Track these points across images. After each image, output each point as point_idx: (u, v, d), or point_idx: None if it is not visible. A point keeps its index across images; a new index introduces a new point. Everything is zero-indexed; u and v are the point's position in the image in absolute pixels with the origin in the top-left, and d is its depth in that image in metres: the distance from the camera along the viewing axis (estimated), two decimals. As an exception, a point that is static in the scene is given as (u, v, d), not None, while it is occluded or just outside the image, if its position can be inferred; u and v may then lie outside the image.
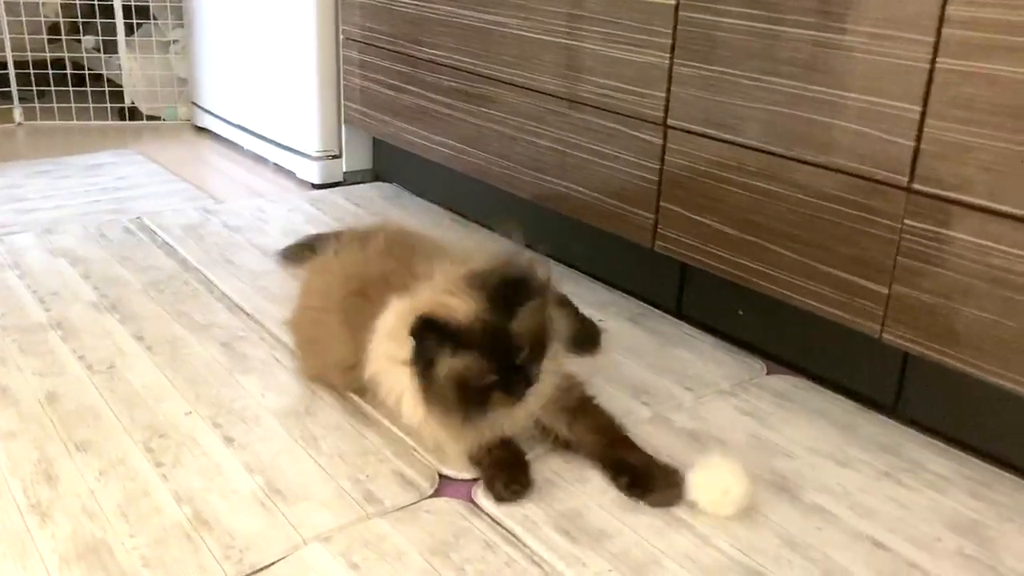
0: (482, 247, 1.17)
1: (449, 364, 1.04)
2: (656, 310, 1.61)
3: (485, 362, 1.03)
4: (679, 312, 1.59)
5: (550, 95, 1.61)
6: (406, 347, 1.06)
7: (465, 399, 1.05)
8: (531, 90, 1.65)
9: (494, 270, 1.07)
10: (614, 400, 1.26)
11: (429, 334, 1.03)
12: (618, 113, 1.49)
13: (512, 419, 1.10)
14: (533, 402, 1.10)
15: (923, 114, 1.09)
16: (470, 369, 1.03)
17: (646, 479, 1.07)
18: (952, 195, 1.08)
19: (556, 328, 1.12)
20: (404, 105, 2.01)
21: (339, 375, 1.25)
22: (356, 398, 1.27)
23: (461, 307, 1.05)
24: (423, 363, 1.05)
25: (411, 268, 1.16)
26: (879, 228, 1.16)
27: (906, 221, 1.13)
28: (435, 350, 1.03)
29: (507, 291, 1.05)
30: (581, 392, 1.16)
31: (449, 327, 1.03)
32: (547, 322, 1.10)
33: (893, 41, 1.10)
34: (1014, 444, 1.16)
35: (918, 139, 1.10)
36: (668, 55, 1.38)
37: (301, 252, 1.72)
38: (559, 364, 1.14)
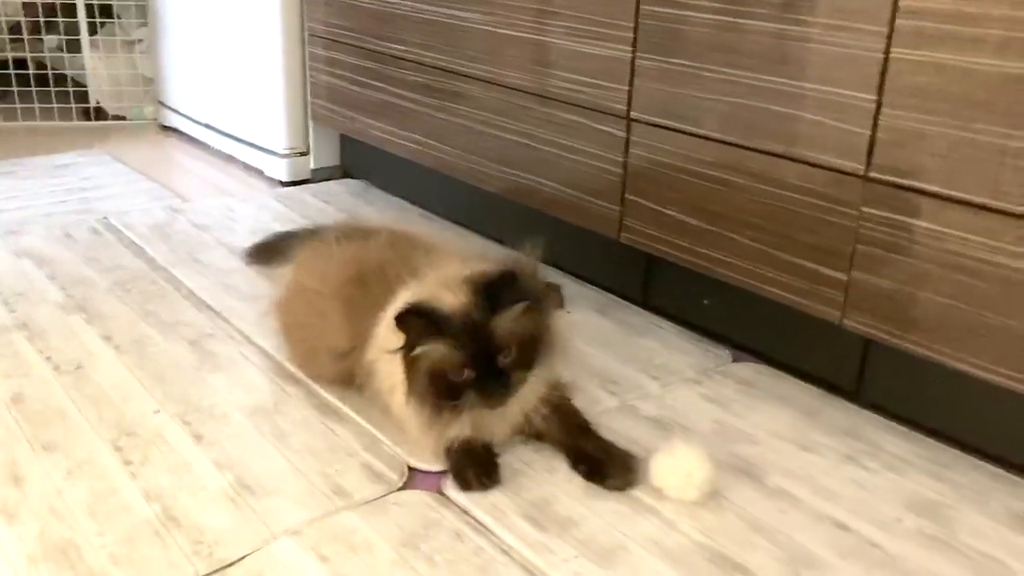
0: (485, 252, 1.17)
1: (428, 351, 1.05)
2: (623, 301, 1.62)
3: (461, 354, 1.04)
4: (645, 303, 1.61)
5: (516, 89, 1.62)
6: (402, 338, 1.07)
7: (438, 391, 1.06)
8: (497, 84, 1.66)
9: (489, 271, 1.08)
10: (581, 390, 1.28)
11: (412, 319, 1.04)
12: (583, 107, 1.50)
13: (493, 429, 1.11)
14: (515, 414, 1.11)
15: (878, 103, 1.11)
16: (445, 359, 1.04)
17: (603, 465, 1.09)
18: (907, 182, 1.10)
19: (553, 343, 1.12)
20: (370, 101, 2.01)
21: (329, 361, 1.24)
22: (325, 393, 1.28)
23: (449, 299, 1.06)
24: (407, 350, 1.06)
25: (410, 263, 1.17)
26: (838, 216, 1.18)
27: (864, 209, 1.15)
28: (418, 337, 1.04)
29: (495, 288, 1.06)
30: (564, 398, 1.17)
31: (431, 313, 1.04)
32: (540, 332, 1.09)
33: (848, 32, 1.12)
34: (972, 425, 1.19)
35: (874, 128, 1.12)
36: (630, 48, 1.39)
37: (267, 251, 1.72)
38: (551, 381, 1.14)
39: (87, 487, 1.07)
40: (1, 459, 1.12)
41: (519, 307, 1.07)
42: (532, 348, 1.08)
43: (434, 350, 1.05)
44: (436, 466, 1.12)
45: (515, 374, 1.06)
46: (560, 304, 1.57)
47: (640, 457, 1.11)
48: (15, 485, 1.07)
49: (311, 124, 2.25)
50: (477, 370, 1.04)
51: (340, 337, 1.20)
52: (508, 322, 1.06)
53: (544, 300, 1.12)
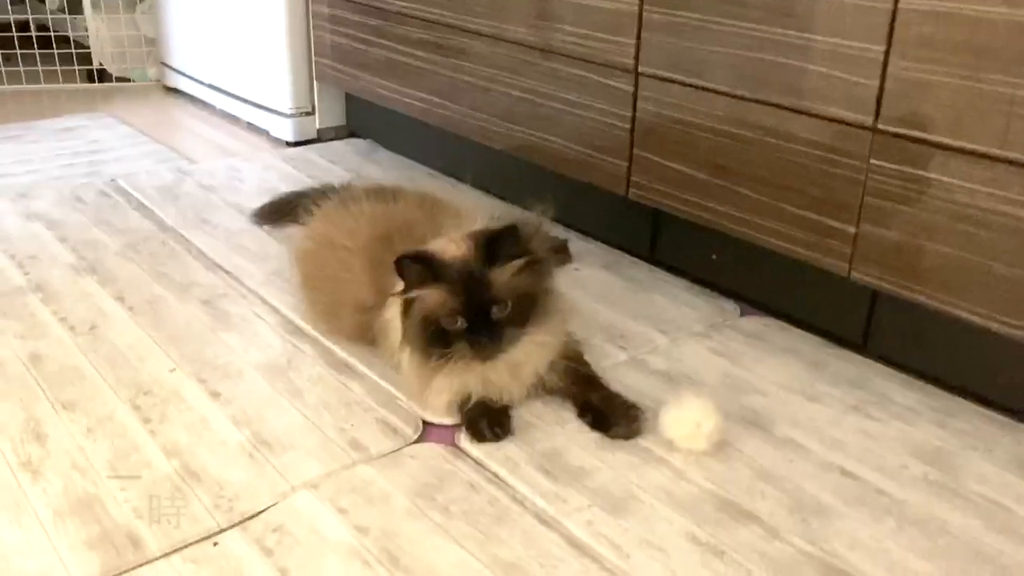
0: (508, 215, 1.18)
1: (423, 296, 1.06)
2: (631, 257, 1.63)
3: (455, 301, 1.05)
4: (653, 258, 1.62)
5: (522, 44, 1.61)
6: None
7: (430, 337, 1.07)
8: (502, 40, 1.65)
9: (492, 226, 1.09)
10: (590, 345, 1.29)
11: (411, 265, 1.05)
12: (590, 61, 1.50)
13: (509, 391, 1.12)
14: (528, 375, 1.12)
15: (886, 54, 1.11)
16: (439, 305, 1.05)
17: (608, 415, 1.11)
18: (916, 134, 1.10)
19: (551, 304, 1.12)
20: (375, 59, 2.00)
21: (351, 316, 1.26)
22: (339, 350, 1.30)
23: (451, 249, 1.07)
24: (405, 299, 1.07)
25: (436, 224, 1.18)
26: (846, 169, 1.18)
27: (872, 161, 1.15)
28: (416, 282, 1.06)
29: (496, 242, 1.07)
30: (576, 353, 1.18)
31: (429, 260, 1.05)
32: (537, 290, 1.10)
33: (857, -18, 1.12)
34: (978, 374, 1.20)
35: (882, 79, 1.12)
36: (637, 1, 1.39)
37: (274, 211, 1.73)
38: (563, 342, 1.15)
39: (108, 444, 1.09)
40: (23, 417, 1.14)
41: (518, 262, 1.07)
42: (528, 305, 1.08)
43: (429, 295, 1.06)
44: (449, 420, 1.14)
45: (508, 329, 1.07)
46: (568, 260, 1.58)
47: (646, 408, 1.13)
48: (38, 442, 1.09)
49: (316, 83, 2.24)
50: (470, 320, 1.05)
51: (364, 292, 1.21)
52: (505, 276, 1.07)
53: (546, 260, 1.13)
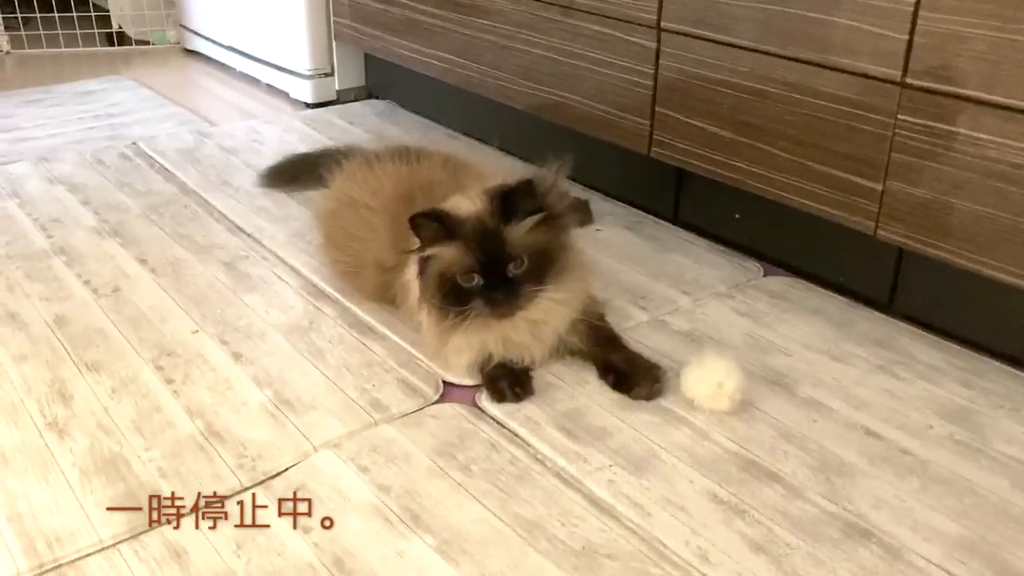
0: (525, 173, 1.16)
1: (439, 253, 1.06)
2: (653, 217, 1.62)
3: (471, 258, 1.04)
4: (676, 218, 1.60)
5: (542, 1, 1.59)
6: None
7: (447, 294, 1.06)
8: (522, -2, 1.63)
9: (508, 182, 1.08)
10: (612, 307, 1.28)
11: (426, 222, 1.05)
12: (612, 17, 1.47)
13: (530, 351, 1.11)
14: (549, 336, 1.11)
15: (916, 5, 1.08)
16: (455, 262, 1.05)
17: (629, 375, 1.11)
18: (946, 88, 1.08)
19: (569, 261, 1.10)
20: (394, 18, 1.98)
21: (373, 274, 1.25)
22: (360, 311, 1.30)
23: (465, 206, 1.07)
24: (421, 257, 1.07)
25: (459, 184, 1.17)
26: (873, 124, 1.16)
27: (900, 116, 1.13)
28: (432, 240, 1.06)
29: (512, 198, 1.05)
30: (597, 315, 1.17)
31: (444, 217, 1.05)
32: (554, 246, 1.08)
33: (886, -69, 1.08)
34: (1005, 333, 1.19)
35: (911, 32, 1.09)
36: (659, -45, 1.36)
37: (282, 173, 1.72)
38: (585, 302, 1.13)
39: (132, 404, 1.10)
40: (49, 378, 1.15)
41: (534, 218, 1.06)
42: (545, 261, 1.07)
43: (445, 252, 1.06)
44: (470, 380, 1.14)
45: (525, 286, 1.06)
46: (589, 220, 1.57)
47: (668, 369, 1.12)
48: (63, 403, 1.10)
49: (335, 44, 2.22)
50: (486, 277, 1.04)
51: (385, 252, 1.21)
52: (521, 232, 1.06)
53: (564, 216, 1.11)
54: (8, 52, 2.76)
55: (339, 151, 1.63)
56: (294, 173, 1.70)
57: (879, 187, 1.17)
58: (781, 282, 1.39)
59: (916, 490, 0.96)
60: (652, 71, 1.43)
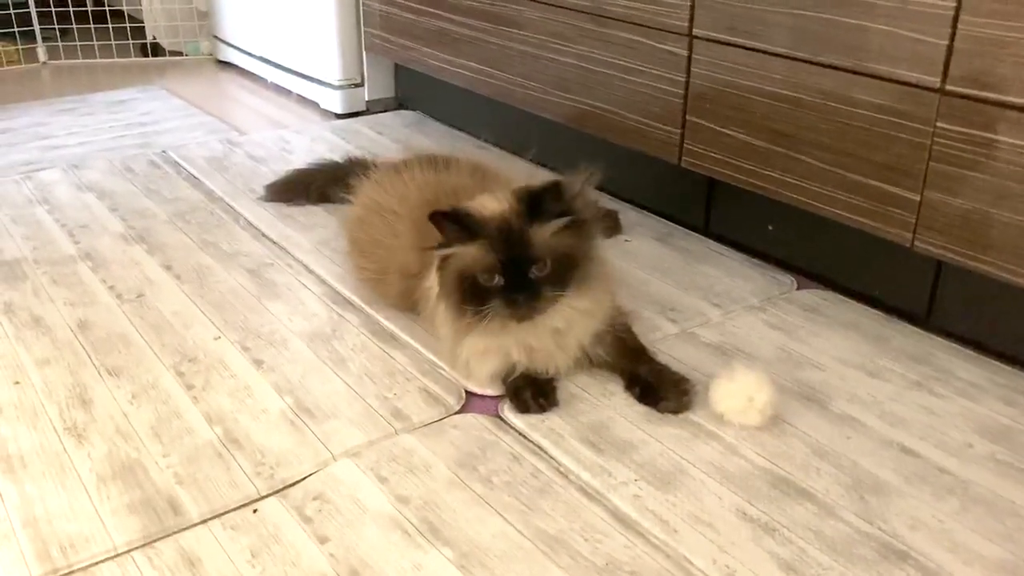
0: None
1: (460, 252, 1.04)
2: (684, 228, 1.59)
3: (493, 257, 1.02)
4: (707, 230, 1.57)
5: (572, 10, 1.57)
6: None
7: (466, 294, 1.04)
8: (553, 5, 1.61)
9: (535, 183, 1.06)
10: (641, 318, 1.25)
11: (446, 220, 1.03)
12: (642, 25, 1.45)
13: (554, 361, 1.09)
14: (573, 347, 1.09)
15: (957, 10, 1.05)
16: (476, 261, 1.03)
17: (657, 388, 1.08)
18: (987, 95, 1.04)
19: (594, 268, 1.08)
20: (425, 28, 1.97)
21: (397, 281, 1.24)
22: (383, 319, 1.28)
23: (490, 205, 1.05)
24: (441, 255, 1.05)
25: (486, 189, 1.15)
26: (910, 133, 1.13)
27: (938, 124, 1.09)
28: (453, 239, 1.04)
29: (538, 200, 1.03)
30: (624, 326, 1.14)
31: (466, 216, 1.03)
32: (579, 251, 1.06)
33: (926, -66, 1.06)
34: (1050, 351, 1.14)
35: (951, 37, 1.06)
36: (692, -38, 1.34)
37: (286, 188, 1.71)
38: (610, 312, 1.11)
39: (151, 410, 1.09)
40: (69, 383, 1.14)
41: (560, 221, 1.04)
42: (569, 266, 1.04)
43: (466, 252, 1.03)
44: (492, 391, 1.12)
45: (546, 289, 1.03)
46: (617, 231, 1.55)
47: (697, 382, 1.09)
48: (83, 408, 1.09)
49: (365, 55, 2.22)
50: (507, 277, 1.02)
51: (410, 257, 1.19)
52: (546, 234, 1.03)
53: (591, 224, 1.09)
54: (45, 63, 2.79)
55: (340, 164, 1.65)
56: (296, 188, 1.68)
57: (917, 197, 1.14)
58: (815, 295, 1.36)
59: (955, 511, 0.92)
60: (683, 79, 1.40)
